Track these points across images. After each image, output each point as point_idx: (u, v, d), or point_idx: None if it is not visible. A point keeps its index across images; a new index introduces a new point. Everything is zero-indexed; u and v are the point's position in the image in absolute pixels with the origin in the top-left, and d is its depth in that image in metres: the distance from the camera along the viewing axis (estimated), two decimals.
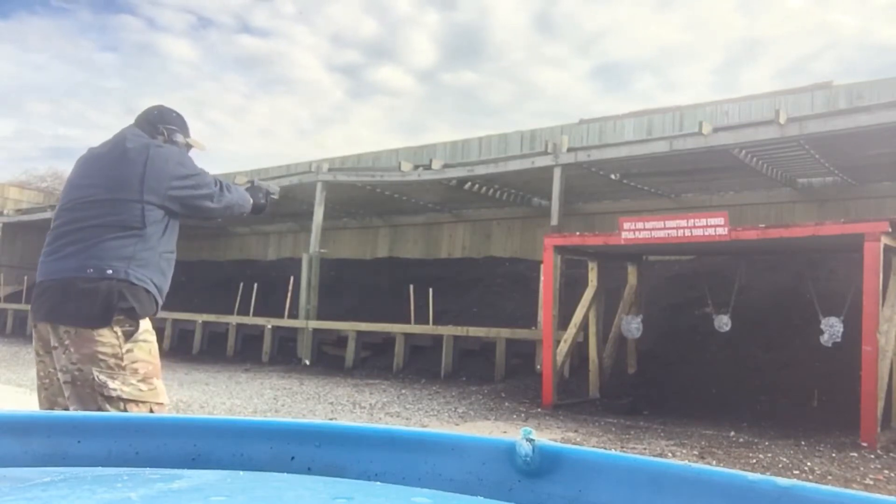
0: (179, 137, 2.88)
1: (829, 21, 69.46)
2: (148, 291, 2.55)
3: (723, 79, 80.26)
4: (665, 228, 7.50)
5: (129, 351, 2.47)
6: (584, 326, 9.09)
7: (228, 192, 2.85)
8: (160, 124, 2.84)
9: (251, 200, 3.01)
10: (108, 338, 2.45)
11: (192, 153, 2.93)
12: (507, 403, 8.55)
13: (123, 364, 2.46)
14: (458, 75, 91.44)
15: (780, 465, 5.54)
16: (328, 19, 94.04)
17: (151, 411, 2.47)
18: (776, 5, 78.38)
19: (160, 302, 2.63)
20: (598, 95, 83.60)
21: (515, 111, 79.73)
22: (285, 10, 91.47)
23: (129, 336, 2.47)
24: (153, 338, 2.59)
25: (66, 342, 2.46)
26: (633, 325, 8.96)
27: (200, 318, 13.91)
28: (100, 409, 2.43)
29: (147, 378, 2.50)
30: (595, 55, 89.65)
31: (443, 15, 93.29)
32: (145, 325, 2.55)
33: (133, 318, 2.50)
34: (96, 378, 2.44)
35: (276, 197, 3.22)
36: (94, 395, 2.44)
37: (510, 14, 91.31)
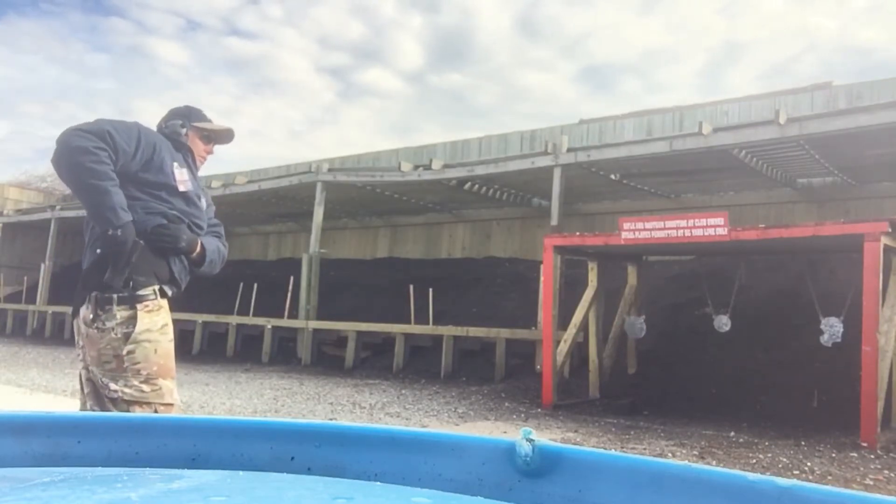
0: (176, 123, 2.80)
1: (809, 24, 69.94)
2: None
3: (706, 81, 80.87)
4: (665, 228, 7.49)
5: (130, 352, 2.45)
6: (584, 326, 9.09)
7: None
8: (163, 121, 2.85)
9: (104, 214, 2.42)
10: (108, 339, 2.46)
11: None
12: (507, 403, 8.55)
13: (125, 365, 2.45)
14: (445, 77, 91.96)
15: (780, 465, 5.54)
16: (315, 22, 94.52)
17: (156, 412, 2.45)
18: (755, 8, 78.88)
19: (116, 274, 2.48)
20: (585, 97, 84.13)
21: (504, 113, 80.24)
22: (272, 13, 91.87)
23: (128, 337, 2.45)
24: (162, 336, 2.53)
25: (83, 344, 2.54)
26: (637, 325, 8.97)
27: (200, 318, 13.90)
28: (107, 410, 2.44)
29: (150, 379, 2.47)
30: (580, 57, 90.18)
31: (427, 18, 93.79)
32: (146, 324, 2.49)
33: (107, 291, 2.48)
34: (100, 380, 2.48)
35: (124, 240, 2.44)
36: (102, 396, 2.49)
37: (493, 17, 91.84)
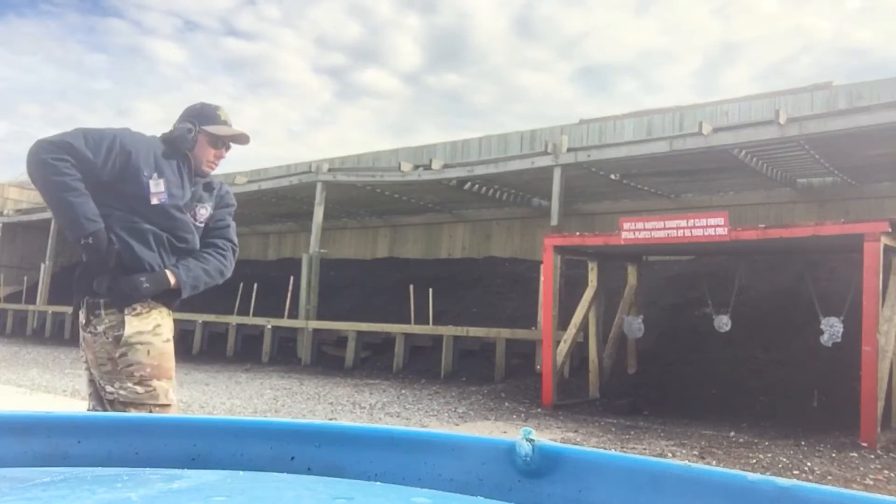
0: (185, 126, 2.64)
1: (804, 25, 70.12)
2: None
3: (702, 81, 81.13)
4: (665, 228, 7.49)
5: (122, 355, 2.45)
6: (584, 326, 9.09)
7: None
8: (177, 121, 2.70)
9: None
10: (101, 343, 2.47)
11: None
12: (507, 403, 8.55)
13: (118, 368, 2.46)
14: (442, 78, 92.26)
15: (780, 465, 5.54)
16: (312, 22, 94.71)
17: (151, 413, 2.46)
18: (750, 9, 79.07)
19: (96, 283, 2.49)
20: (582, 97, 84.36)
21: (501, 113, 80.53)
22: (270, 14, 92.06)
23: (118, 340, 2.45)
24: (155, 337, 2.50)
25: (83, 345, 2.58)
26: (635, 325, 8.97)
27: (200, 318, 13.90)
28: (107, 411, 2.47)
29: (144, 381, 2.46)
30: (577, 58, 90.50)
31: (423, 18, 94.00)
32: (135, 327, 2.46)
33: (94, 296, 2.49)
34: (98, 382, 2.52)
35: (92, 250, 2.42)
36: (102, 397, 2.53)
37: (489, 18, 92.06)
